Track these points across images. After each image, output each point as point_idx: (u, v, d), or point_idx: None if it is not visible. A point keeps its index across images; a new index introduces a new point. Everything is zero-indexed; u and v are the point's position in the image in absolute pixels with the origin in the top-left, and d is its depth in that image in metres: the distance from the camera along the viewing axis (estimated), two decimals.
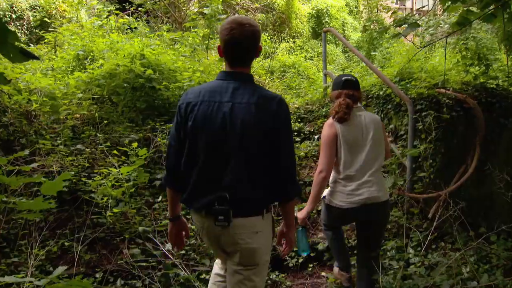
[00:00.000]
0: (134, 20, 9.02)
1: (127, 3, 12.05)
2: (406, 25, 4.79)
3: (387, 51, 9.53)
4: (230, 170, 2.26)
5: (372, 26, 11.37)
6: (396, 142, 5.55)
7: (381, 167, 3.49)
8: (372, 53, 10.11)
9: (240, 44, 2.28)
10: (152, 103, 5.83)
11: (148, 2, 12.34)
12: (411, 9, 23.14)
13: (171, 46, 7.45)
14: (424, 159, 5.14)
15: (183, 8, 13.20)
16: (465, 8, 4.88)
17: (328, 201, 3.43)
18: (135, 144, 4.72)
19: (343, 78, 3.46)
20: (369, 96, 6.08)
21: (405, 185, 5.15)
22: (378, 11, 11.94)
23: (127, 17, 8.99)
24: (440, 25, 12.65)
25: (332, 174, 3.42)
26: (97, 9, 10.20)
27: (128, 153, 4.77)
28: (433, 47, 9.58)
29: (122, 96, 5.75)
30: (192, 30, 9.69)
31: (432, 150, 5.06)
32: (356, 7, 18.36)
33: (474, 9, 4.71)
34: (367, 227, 3.47)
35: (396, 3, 20.46)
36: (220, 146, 2.26)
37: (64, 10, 11.92)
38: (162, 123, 5.47)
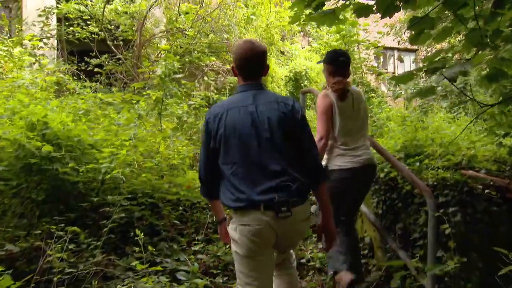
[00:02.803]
0: (71, 79, 7.37)
1: (83, 63, 10.76)
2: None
3: (378, 117, 8.03)
4: (270, 160, 2.44)
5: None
6: (407, 250, 3.81)
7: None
8: None
9: (252, 61, 2.61)
10: (58, 192, 4.07)
11: (108, 63, 11.00)
12: (393, 73, 22.29)
13: (104, 111, 5.77)
14: (453, 278, 3.41)
15: (147, 70, 11.76)
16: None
17: (331, 167, 3.55)
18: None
19: (340, 59, 3.67)
20: None
21: None
22: (363, 73, 10.59)
23: (61, 75, 7.33)
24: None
25: (329, 142, 3.57)
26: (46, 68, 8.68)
27: None
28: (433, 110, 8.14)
29: (14, 181, 3.99)
30: (144, 92, 8.16)
31: (466, 264, 3.35)
32: None
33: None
34: (359, 191, 3.65)
35: (378, 67, 19.45)
36: (254, 140, 2.46)
37: (12, 70, 10.47)
38: (62, 225, 3.67)
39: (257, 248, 2.44)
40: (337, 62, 3.65)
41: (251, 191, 2.38)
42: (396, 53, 20.69)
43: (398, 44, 16.53)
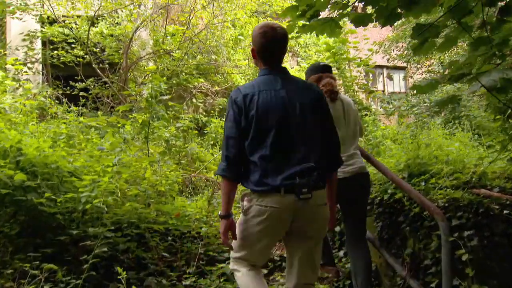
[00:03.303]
0: (53, 103, 7.05)
1: (69, 88, 10.46)
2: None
3: (374, 135, 7.77)
4: (300, 145, 2.48)
5: None
6: (418, 277, 3.49)
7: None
8: None
9: (273, 44, 2.60)
10: (34, 224, 3.72)
11: (94, 87, 10.70)
12: (383, 91, 22.17)
13: (86, 135, 5.44)
14: None
15: (134, 93, 11.45)
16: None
17: None
18: None
19: (321, 64, 3.78)
20: None
21: None
22: (354, 91, 10.34)
23: (43, 99, 7.01)
24: (425, 103, 11.16)
25: None
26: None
27: None
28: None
29: None
30: (131, 115, 7.86)
31: None
32: None
33: None
34: (357, 199, 3.50)
35: (368, 85, 19.39)
36: (286, 125, 2.48)
37: None
38: (38, 262, 3.31)
39: (267, 230, 2.48)
40: (320, 68, 3.66)
41: (275, 176, 2.41)
42: (385, 71, 20.62)
43: (388, 62, 16.43)
